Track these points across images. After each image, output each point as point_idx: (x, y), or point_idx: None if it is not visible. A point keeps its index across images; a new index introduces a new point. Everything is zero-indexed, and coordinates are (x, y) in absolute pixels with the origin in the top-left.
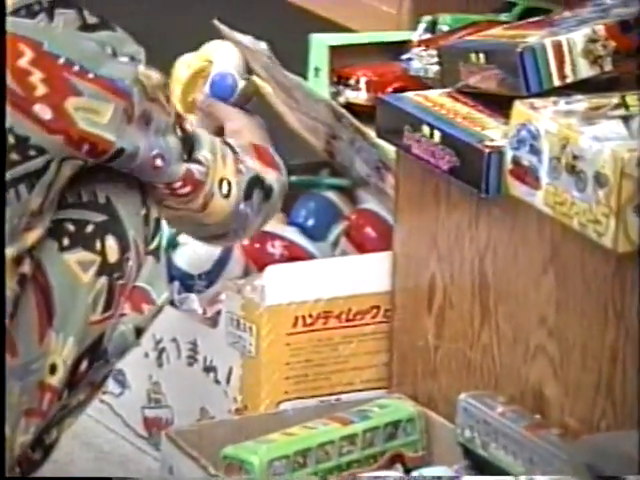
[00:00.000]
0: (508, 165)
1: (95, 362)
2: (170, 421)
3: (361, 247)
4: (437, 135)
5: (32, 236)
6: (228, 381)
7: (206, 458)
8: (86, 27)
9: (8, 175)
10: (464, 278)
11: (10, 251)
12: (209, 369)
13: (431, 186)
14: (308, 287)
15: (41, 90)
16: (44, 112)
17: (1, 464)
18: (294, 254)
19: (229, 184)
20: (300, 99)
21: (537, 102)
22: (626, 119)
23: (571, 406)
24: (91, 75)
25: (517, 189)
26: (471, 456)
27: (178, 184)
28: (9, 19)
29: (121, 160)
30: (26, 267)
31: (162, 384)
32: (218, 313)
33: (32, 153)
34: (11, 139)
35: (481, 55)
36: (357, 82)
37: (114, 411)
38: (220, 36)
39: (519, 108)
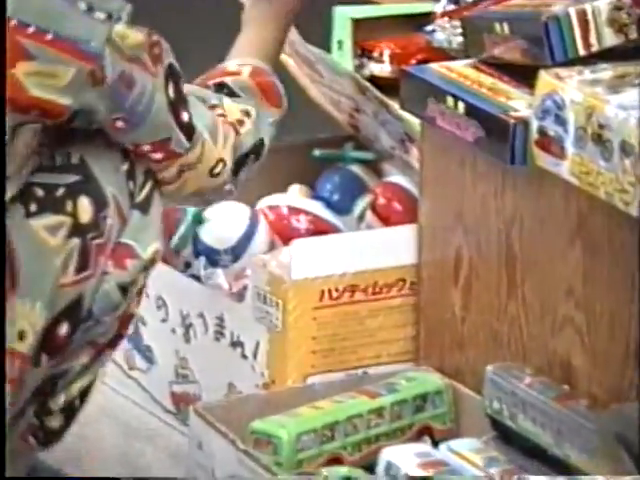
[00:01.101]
0: (534, 135)
1: (80, 324)
2: (198, 396)
3: (387, 220)
4: (462, 106)
5: None
6: (255, 356)
7: (234, 433)
8: None
9: None
10: (490, 250)
11: None
12: (236, 344)
13: (456, 158)
14: (334, 261)
15: None
16: None
17: (1, 464)
18: (319, 228)
19: (224, 166)
20: (324, 72)
21: (562, 72)
22: None
23: (599, 376)
24: (49, 36)
25: (543, 159)
26: (499, 427)
27: (146, 147)
28: None
29: (79, 120)
30: None
31: (189, 359)
32: (244, 288)
33: None
34: None
35: (505, 25)
36: (381, 54)
37: (142, 387)
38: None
39: (544, 78)
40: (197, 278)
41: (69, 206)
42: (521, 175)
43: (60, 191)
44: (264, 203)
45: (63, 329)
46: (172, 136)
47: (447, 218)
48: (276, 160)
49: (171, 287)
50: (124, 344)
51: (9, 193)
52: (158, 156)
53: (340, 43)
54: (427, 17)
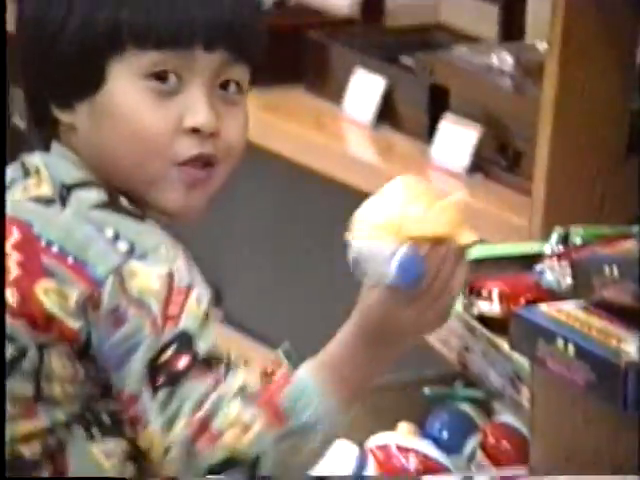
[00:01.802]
0: None
1: None
2: None
3: (497, 461)
4: (572, 349)
5: (34, 423)
6: None
7: None
8: (104, 205)
9: None
10: None
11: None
12: None
13: (568, 399)
14: None
15: (14, 273)
16: (12, 296)
17: (1, 464)
18: (429, 468)
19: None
20: None
21: None
22: None
23: None
24: (70, 259)
25: None
26: None
27: (122, 397)
28: (14, 201)
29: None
30: (36, 448)
31: None
32: None
33: (10, 339)
34: None
35: (615, 268)
36: (489, 294)
37: None
38: None
39: None
40: None
41: (129, 432)
42: (635, 419)
43: (124, 417)
44: (373, 442)
45: None
46: (139, 398)
47: (558, 461)
48: (386, 398)
49: None
50: None
51: (61, 416)
52: (130, 412)
53: None
54: (536, 257)
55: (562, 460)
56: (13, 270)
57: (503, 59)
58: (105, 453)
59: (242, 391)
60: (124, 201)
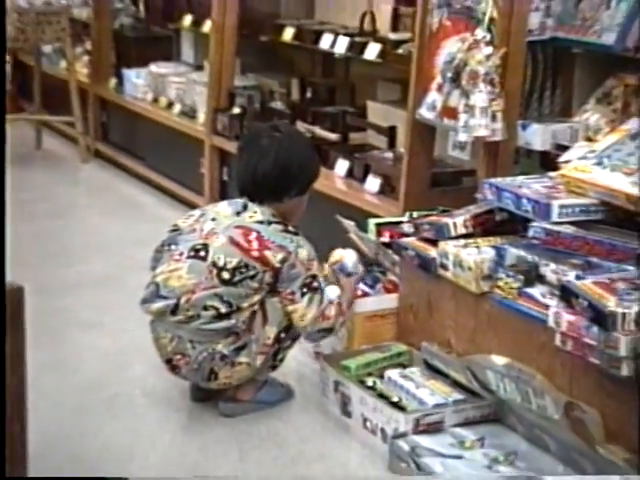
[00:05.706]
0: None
1: (289, 332)
2: (322, 353)
3: (388, 292)
4: (412, 252)
5: (256, 297)
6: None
7: (335, 365)
8: (285, 230)
9: (242, 276)
10: (423, 301)
11: (246, 303)
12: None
13: (410, 269)
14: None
15: (255, 247)
16: (255, 254)
17: (1, 464)
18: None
19: (305, 321)
20: (365, 241)
21: (449, 242)
22: (478, 248)
23: (460, 346)
24: (277, 244)
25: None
26: (426, 363)
27: (286, 292)
28: (251, 222)
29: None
30: (256, 307)
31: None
32: None
33: (250, 268)
34: (242, 264)
35: (427, 225)
36: (385, 235)
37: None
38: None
39: (441, 245)
40: None
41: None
42: (435, 278)
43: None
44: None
45: (283, 335)
46: (295, 294)
47: (419, 304)
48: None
49: None
50: None
51: (264, 293)
52: (287, 297)
53: (370, 231)
54: (401, 222)
55: (415, 294)
56: (255, 246)
57: None
58: (277, 300)
59: (330, 302)
60: (290, 227)
